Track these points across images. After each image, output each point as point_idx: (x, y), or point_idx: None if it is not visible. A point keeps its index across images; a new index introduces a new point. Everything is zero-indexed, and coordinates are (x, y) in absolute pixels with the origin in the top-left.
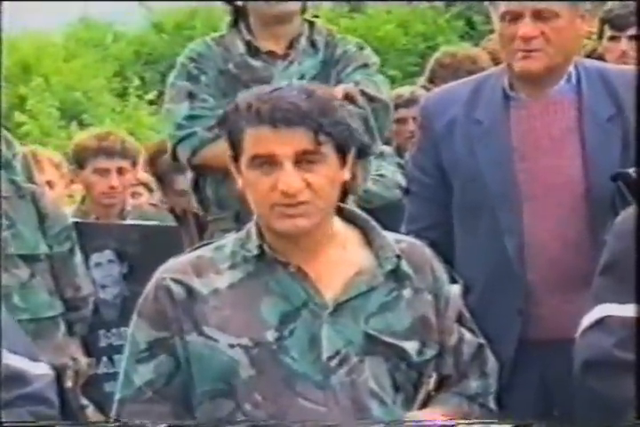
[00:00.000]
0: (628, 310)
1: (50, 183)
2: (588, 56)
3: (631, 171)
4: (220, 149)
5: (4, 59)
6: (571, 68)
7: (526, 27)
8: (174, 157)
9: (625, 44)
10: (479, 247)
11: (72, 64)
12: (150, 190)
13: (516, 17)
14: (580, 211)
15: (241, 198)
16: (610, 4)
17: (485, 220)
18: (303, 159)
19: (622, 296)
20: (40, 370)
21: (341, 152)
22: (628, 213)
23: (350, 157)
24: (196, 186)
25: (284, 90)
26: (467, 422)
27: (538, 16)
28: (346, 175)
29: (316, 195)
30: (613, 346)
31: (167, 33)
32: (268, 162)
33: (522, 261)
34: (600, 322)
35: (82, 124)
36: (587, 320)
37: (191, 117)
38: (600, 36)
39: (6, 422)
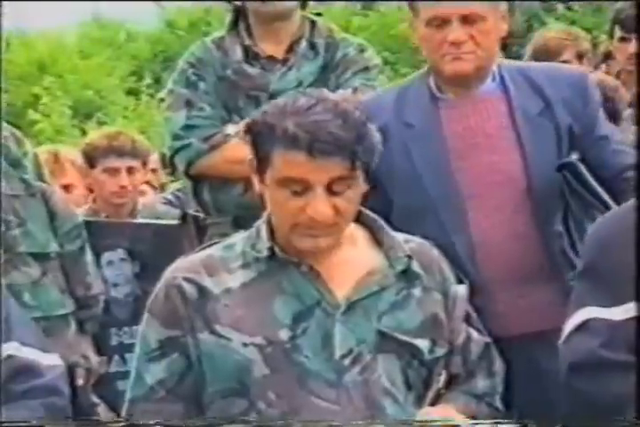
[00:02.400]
0: (610, 313)
1: (70, 186)
2: (605, 57)
3: (575, 160)
4: (215, 161)
5: (19, 58)
6: (494, 68)
7: (456, 32)
8: (172, 166)
9: (634, 46)
10: None
11: (87, 63)
12: (155, 188)
13: (443, 22)
14: (524, 205)
15: (239, 205)
16: (620, 4)
17: (430, 222)
18: (335, 185)
19: (603, 300)
20: (51, 361)
21: (368, 171)
22: (601, 221)
23: (372, 169)
24: (195, 190)
25: (319, 113)
26: (474, 421)
27: (465, 20)
28: (367, 187)
29: (342, 217)
30: (599, 346)
31: (182, 30)
32: (299, 184)
33: (472, 259)
34: (583, 325)
35: (99, 123)
36: (569, 325)
37: (187, 127)
38: (611, 36)
39: (6, 421)
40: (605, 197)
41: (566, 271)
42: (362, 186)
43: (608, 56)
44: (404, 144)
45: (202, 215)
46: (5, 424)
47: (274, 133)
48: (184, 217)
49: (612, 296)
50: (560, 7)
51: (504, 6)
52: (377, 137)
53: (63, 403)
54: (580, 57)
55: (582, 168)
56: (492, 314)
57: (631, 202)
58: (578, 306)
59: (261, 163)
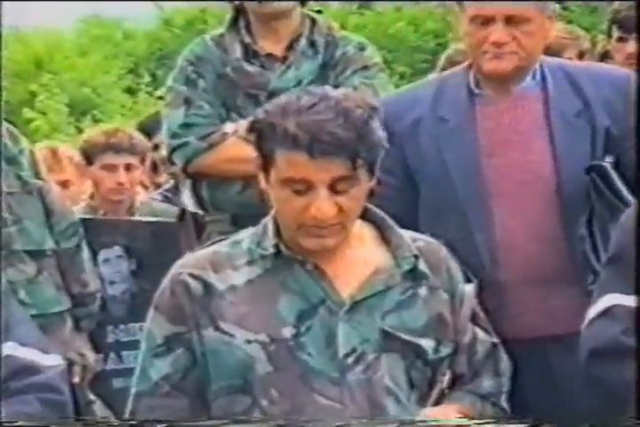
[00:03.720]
0: (633, 301)
1: (66, 183)
2: (603, 56)
3: (604, 163)
4: (213, 159)
5: (16, 55)
6: (535, 65)
7: (499, 32)
8: (171, 163)
9: (632, 46)
10: (448, 247)
11: (85, 60)
12: (145, 187)
13: (487, 21)
14: (552, 206)
15: (237, 203)
16: (617, 4)
17: (454, 219)
18: (338, 184)
19: (628, 287)
20: (51, 361)
21: (372, 168)
22: (632, 209)
23: (377, 166)
24: (194, 188)
25: (320, 112)
26: (480, 421)
27: (509, 21)
28: (373, 183)
29: (346, 216)
30: (621, 333)
31: (178, 28)
32: (301, 184)
33: (494, 259)
34: (607, 311)
35: (95, 121)
36: (593, 311)
37: (186, 126)
38: (609, 36)
39: (6, 421)
40: (632, 201)
41: (586, 276)
42: (366, 183)
43: (605, 56)
44: (437, 139)
45: (201, 212)
46: (5, 424)
47: (275, 133)
48: (182, 214)
49: (636, 284)
50: (557, 7)
51: (552, 6)
52: (380, 134)
53: (61, 400)
54: (581, 56)
55: (611, 171)
56: (509, 315)
57: None
58: (602, 292)
59: (265, 162)
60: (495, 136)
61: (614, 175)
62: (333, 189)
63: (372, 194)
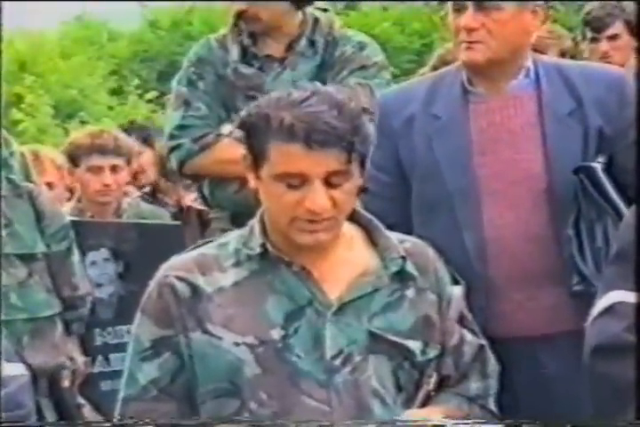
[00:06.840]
0: (637, 298)
1: (50, 185)
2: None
3: (593, 164)
4: (206, 161)
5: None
6: (529, 64)
7: (467, 18)
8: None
9: (605, 45)
10: (438, 244)
11: (68, 62)
12: (140, 189)
13: (460, 8)
14: (542, 205)
15: (235, 202)
16: (588, 6)
17: (444, 216)
18: (332, 178)
19: (632, 284)
20: (15, 371)
21: (363, 163)
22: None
23: (368, 161)
24: (198, 185)
25: (314, 104)
26: (458, 422)
27: (480, 7)
28: (362, 180)
29: (339, 210)
30: (624, 330)
31: (164, 30)
32: (296, 178)
33: (482, 257)
34: (610, 309)
35: (82, 122)
36: (597, 308)
37: (181, 127)
38: (584, 38)
39: (5, 421)
40: (620, 204)
41: (572, 276)
42: (358, 179)
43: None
44: (429, 136)
45: (206, 209)
46: (5, 424)
47: (269, 126)
48: (180, 213)
49: (637, 282)
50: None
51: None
52: (371, 128)
53: (24, 414)
54: (563, 55)
55: (600, 173)
56: (496, 313)
57: None
58: (607, 289)
59: (257, 158)
60: (487, 134)
61: (602, 177)
62: (328, 182)
63: (361, 191)
